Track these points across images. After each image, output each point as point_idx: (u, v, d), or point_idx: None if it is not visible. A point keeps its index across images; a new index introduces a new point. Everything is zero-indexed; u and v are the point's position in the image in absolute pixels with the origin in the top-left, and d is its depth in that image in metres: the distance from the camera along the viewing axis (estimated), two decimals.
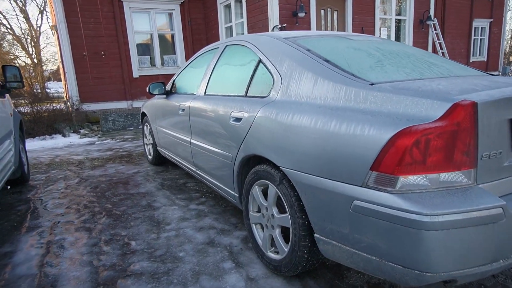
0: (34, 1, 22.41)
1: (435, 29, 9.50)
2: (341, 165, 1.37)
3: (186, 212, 2.68)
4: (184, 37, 9.02)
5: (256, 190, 1.95)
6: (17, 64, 23.41)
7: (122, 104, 8.45)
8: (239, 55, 2.39)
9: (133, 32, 8.37)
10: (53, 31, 9.52)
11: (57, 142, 5.77)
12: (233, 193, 2.25)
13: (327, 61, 1.74)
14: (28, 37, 24.02)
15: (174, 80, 3.33)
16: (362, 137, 1.31)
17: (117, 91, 8.37)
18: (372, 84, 1.48)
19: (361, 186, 1.31)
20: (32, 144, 5.64)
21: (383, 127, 1.26)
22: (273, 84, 1.90)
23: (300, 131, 1.56)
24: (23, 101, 6.76)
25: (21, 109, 6.75)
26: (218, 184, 2.44)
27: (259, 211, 2.01)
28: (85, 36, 7.79)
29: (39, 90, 23.07)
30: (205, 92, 2.65)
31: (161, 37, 8.97)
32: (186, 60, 8.97)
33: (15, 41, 24.22)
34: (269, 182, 1.81)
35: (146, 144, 4.23)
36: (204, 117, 2.51)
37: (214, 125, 2.35)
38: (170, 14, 8.89)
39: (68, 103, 8.61)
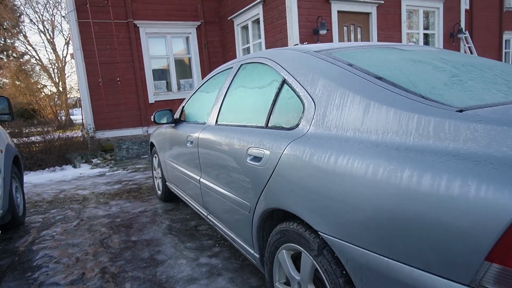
0: (61, 33, 23.29)
1: (467, 43, 8.86)
2: (427, 245, 0.84)
3: (196, 268, 2.16)
4: (201, 61, 8.79)
5: (284, 255, 1.43)
6: (44, 94, 24.22)
7: (137, 131, 8.18)
8: (257, 76, 1.93)
9: (149, 57, 8.20)
10: (71, 59, 9.57)
11: (66, 174, 5.46)
12: (252, 252, 1.73)
13: (379, 78, 1.24)
14: (55, 67, 24.93)
15: (183, 107, 2.91)
16: (463, 200, 0.77)
17: (132, 117, 8.13)
18: (461, 111, 0.96)
19: (468, 286, 0.77)
20: (39, 177, 5.34)
21: (504, 185, 0.73)
22: (303, 112, 1.41)
23: (348, 182, 1.04)
24: (35, 130, 6.57)
25: (33, 138, 6.54)
26: (234, 237, 1.93)
27: (288, 283, 1.47)
28: (100, 63, 7.66)
29: (63, 118, 23.68)
30: (216, 121, 2.19)
31: (178, 61, 8.78)
32: None
33: (42, 71, 25.20)
34: (302, 249, 1.29)
35: (155, 177, 3.80)
36: (215, 152, 2.03)
37: (227, 163, 1.86)
38: (187, 38, 8.71)
39: (83, 131, 8.45)
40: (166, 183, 3.37)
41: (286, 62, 1.66)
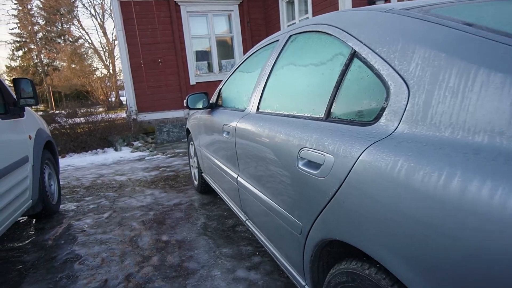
0: (110, 17, 24.01)
1: None
2: None
3: (231, 284, 1.81)
4: (243, 39, 8.33)
5: None
6: (96, 76, 25.34)
7: (179, 113, 8.03)
8: (313, 49, 1.46)
9: (190, 37, 7.91)
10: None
11: (107, 157, 5.41)
12: (303, 283, 1.32)
13: None
14: (106, 50, 25.87)
15: (220, 89, 2.52)
16: None
17: (174, 99, 7.97)
18: None
19: None
20: (82, 160, 5.34)
21: None
22: (386, 99, 0.94)
23: (483, 223, 0.58)
24: (80, 111, 6.65)
25: (77, 120, 6.61)
26: (279, 257, 1.53)
27: None
28: (141, 43, 7.51)
29: (113, 99, 24.70)
30: (257, 108, 1.77)
31: (219, 41, 8.41)
32: None
33: (94, 54, 26.31)
34: None
35: (192, 166, 3.50)
36: (256, 148, 1.61)
37: (271, 165, 1.44)
38: (229, 16, 8.28)
39: (126, 113, 8.48)
40: (202, 174, 3.05)
41: (357, 27, 1.17)
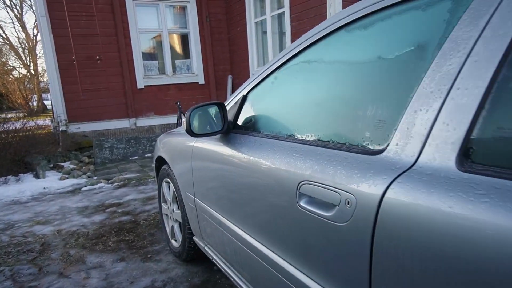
0: (30, 9, 20.70)
1: None
2: None
3: None
4: (201, 37, 7.10)
5: None
6: (13, 77, 21.70)
7: (123, 123, 6.50)
8: None
9: (137, 31, 6.46)
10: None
11: (23, 189, 3.79)
12: None
13: None
14: (25, 47, 22.42)
15: (243, 100, 1.35)
16: None
17: (117, 106, 6.42)
18: None
19: None
20: None
21: None
22: None
23: None
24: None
25: None
26: None
27: None
28: (73, 35, 5.87)
29: (35, 103, 21.35)
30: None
31: (173, 37, 7.08)
32: (205, 65, 7.07)
33: (11, 51, 22.55)
34: None
35: (166, 215, 2.25)
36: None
37: None
38: (183, 8, 7.00)
39: (53, 123, 6.69)
40: (195, 238, 1.82)
41: None
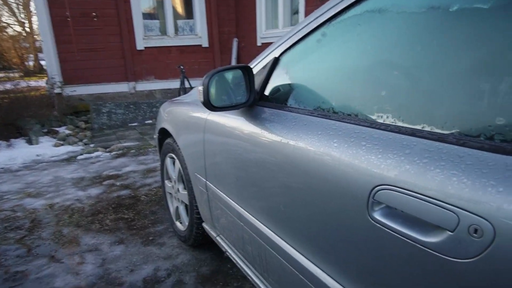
0: None
1: None
2: None
3: None
4: None
5: None
6: (7, 34, 20.76)
7: (122, 87, 6.13)
8: None
9: None
10: None
11: (14, 155, 3.53)
12: None
13: None
14: (19, 2, 21.35)
15: (273, 65, 1.04)
16: None
17: (115, 69, 6.02)
18: None
19: None
20: None
21: None
22: None
23: None
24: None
25: None
26: None
27: None
28: None
29: (31, 63, 20.70)
30: None
31: None
32: (209, 26, 6.57)
33: (4, 7, 21.47)
34: None
35: (170, 194, 1.99)
36: None
37: None
38: None
39: (47, 84, 6.31)
40: (204, 225, 1.58)
41: None
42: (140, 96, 6.23)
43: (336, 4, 0.85)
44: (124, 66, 6.09)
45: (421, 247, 0.54)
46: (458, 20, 0.63)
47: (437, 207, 0.52)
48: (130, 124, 5.26)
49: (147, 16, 6.34)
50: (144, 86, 6.28)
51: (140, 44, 6.14)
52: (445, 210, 0.51)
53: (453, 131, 0.57)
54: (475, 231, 0.47)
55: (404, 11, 0.73)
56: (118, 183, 2.80)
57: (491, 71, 0.56)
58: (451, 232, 0.50)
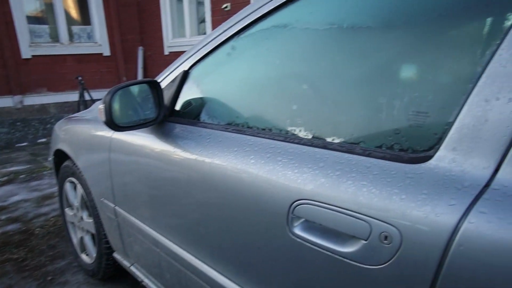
0: None
1: None
2: None
3: None
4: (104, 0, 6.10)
5: None
6: None
7: (4, 101, 5.28)
8: None
9: None
10: None
11: None
12: None
13: None
14: None
15: (185, 74, 0.99)
16: None
17: None
18: None
19: None
20: None
21: None
22: None
23: None
24: None
25: None
26: None
27: None
28: None
29: None
30: None
31: None
32: (110, 34, 6.11)
33: None
34: None
35: (72, 223, 1.75)
36: None
37: None
38: None
39: None
40: (115, 255, 1.42)
41: None
42: (30, 111, 5.44)
43: (243, 18, 0.85)
44: (7, 77, 5.25)
45: (339, 257, 0.56)
46: (356, 35, 0.68)
47: (351, 217, 0.54)
48: (18, 145, 4.53)
49: (33, 20, 5.60)
50: (34, 99, 5.51)
51: (26, 52, 5.38)
52: (359, 220, 0.53)
53: (359, 142, 0.61)
54: (385, 238, 0.50)
55: (307, 27, 0.76)
56: (2, 217, 2.36)
57: (387, 87, 0.61)
58: (365, 240, 0.52)
